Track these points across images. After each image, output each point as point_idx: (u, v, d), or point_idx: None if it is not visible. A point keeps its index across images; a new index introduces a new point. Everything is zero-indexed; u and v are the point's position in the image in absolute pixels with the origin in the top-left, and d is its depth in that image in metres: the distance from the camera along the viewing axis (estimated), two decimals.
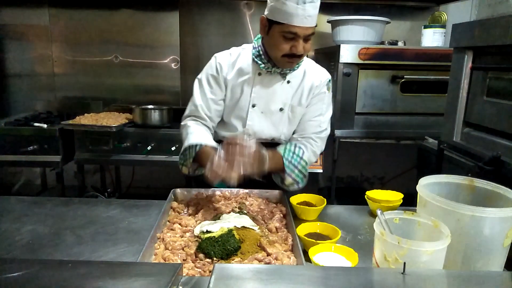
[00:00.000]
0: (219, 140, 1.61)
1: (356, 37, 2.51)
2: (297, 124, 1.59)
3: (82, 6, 2.97)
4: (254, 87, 1.51)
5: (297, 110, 1.55)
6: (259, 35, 1.50)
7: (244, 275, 0.74)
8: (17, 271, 0.74)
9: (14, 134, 2.46)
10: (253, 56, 1.49)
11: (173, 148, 2.51)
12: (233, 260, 1.01)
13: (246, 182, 1.48)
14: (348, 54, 2.36)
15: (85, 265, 0.83)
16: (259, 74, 1.50)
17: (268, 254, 1.03)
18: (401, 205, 1.40)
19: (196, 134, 1.47)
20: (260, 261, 1.00)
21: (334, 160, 2.56)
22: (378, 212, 0.91)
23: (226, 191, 1.46)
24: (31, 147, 2.44)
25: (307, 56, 1.58)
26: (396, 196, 1.42)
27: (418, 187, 1.00)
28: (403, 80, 2.42)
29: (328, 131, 1.61)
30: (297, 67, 1.51)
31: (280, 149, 1.46)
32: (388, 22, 2.56)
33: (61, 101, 3.10)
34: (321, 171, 2.56)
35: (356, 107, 2.45)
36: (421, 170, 2.55)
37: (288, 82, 1.53)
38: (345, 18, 2.54)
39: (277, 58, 1.43)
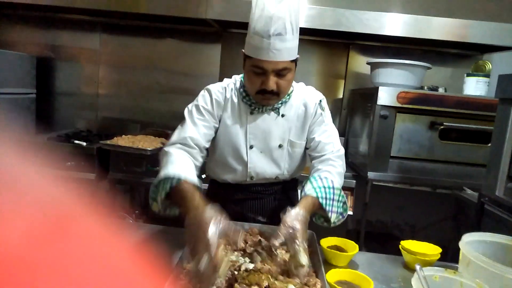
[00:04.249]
0: (218, 183, 1.56)
1: (395, 81, 2.50)
2: (298, 159, 1.53)
3: (131, 34, 3.14)
4: (248, 127, 1.45)
5: (296, 145, 1.50)
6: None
7: None
8: None
9: (55, 150, 2.56)
10: (242, 97, 1.44)
11: (203, 176, 2.52)
12: None
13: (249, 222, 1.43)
14: (386, 97, 2.34)
15: None
16: (251, 113, 1.45)
17: None
18: None
19: (177, 164, 1.25)
20: None
21: (365, 203, 2.49)
22: (417, 267, 0.87)
23: (255, 227, 1.41)
24: (68, 163, 2.52)
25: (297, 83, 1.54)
26: (433, 250, 1.34)
27: (461, 244, 0.95)
28: (442, 127, 2.36)
29: (343, 150, 1.52)
30: (288, 99, 1.47)
31: (308, 190, 1.29)
32: (429, 68, 2.54)
33: (101, 120, 3.23)
34: (351, 213, 2.48)
35: (392, 150, 2.39)
36: (458, 223, 2.44)
37: (283, 116, 1.47)
38: (386, 61, 2.54)
39: (252, 95, 1.39)
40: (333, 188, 1.31)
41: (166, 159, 1.29)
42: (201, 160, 1.42)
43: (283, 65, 1.29)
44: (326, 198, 1.28)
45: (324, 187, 1.30)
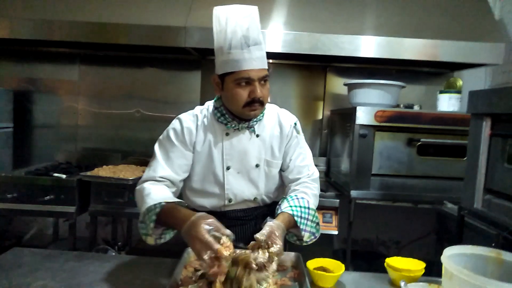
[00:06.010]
0: (196, 211, 1.51)
1: (372, 100, 2.56)
2: (275, 180, 1.55)
3: (110, 64, 3.15)
4: (224, 149, 1.45)
5: (273, 164, 1.51)
6: (216, 97, 1.49)
7: None
8: None
9: (33, 184, 2.49)
10: (216, 118, 1.45)
11: (187, 204, 2.50)
12: None
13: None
14: (364, 116, 2.39)
15: None
16: (227, 134, 1.45)
17: None
18: None
19: (153, 193, 1.32)
20: None
21: (350, 222, 2.50)
22: (402, 284, 0.88)
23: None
24: (48, 197, 2.45)
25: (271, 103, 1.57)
26: (417, 265, 1.35)
27: (443, 259, 0.96)
28: (419, 143, 2.42)
29: (317, 172, 1.59)
30: (262, 117, 1.48)
31: (285, 208, 1.37)
32: (403, 87, 2.62)
33: (81, 152, 3.18)
34: (336, 232, 2.49)
35: (373, 168, 2.43)
36: (440, 236, 2.47)
37: (258, 135, 1.49)
38: (362, 81, 2.61)
39: (239, 111, 1.39)
40: (308, 208, 1.40)
41: (141, 195, 1.35)
42: (174, 192, 1.44)
43: (264, 72, 1.35)
44: (301, 217, 1.36)
45: (300, 207, 1.38)
